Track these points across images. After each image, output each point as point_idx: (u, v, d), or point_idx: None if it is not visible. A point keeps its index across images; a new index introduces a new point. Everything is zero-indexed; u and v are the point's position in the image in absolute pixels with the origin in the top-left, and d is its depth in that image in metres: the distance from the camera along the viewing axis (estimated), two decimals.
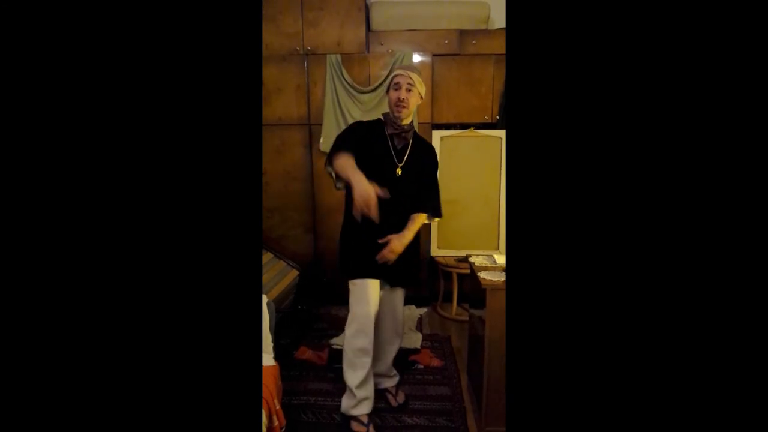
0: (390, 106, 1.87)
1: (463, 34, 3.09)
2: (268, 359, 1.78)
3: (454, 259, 3.11)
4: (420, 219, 1.92)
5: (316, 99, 3.13)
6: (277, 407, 1.67)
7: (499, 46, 3.07)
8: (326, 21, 3.06)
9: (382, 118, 1.92)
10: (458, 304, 3.18)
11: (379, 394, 2.11)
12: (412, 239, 1.89)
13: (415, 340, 2.73)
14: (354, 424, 1.94)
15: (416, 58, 3.07)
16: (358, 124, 1.92)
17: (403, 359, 2.51)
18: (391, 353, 2.11)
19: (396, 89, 1.82)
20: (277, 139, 3.18)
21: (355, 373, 1.91)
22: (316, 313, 3.20)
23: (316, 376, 2.43)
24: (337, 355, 2.52)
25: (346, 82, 3.06)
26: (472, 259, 2.17)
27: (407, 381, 2.34)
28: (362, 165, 1.72)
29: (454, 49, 3.09)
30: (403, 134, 1.88)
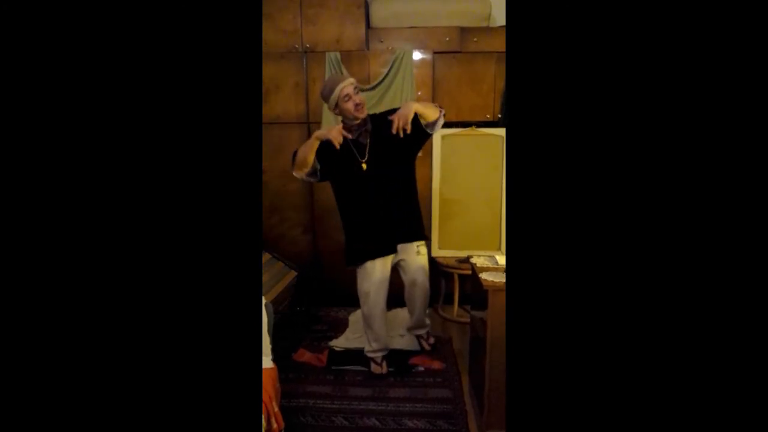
0: (348, 115, 2.14)
1: (464, 31, 3.05)
2: (266, 361, 1.75)
3: (455, 260, 3.07)
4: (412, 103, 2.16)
5: (315, 97, 3.08)
6: (276, 410, 1.65)
7: (501, 43, 3.03)
8: (325, 18, 3.03)
9: None
10: (459, 305, 3.15)
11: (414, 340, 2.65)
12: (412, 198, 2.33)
13: (415, 343, 2.69)
14: (372, 364, 2.41)
15: (417, 55, 3.04)
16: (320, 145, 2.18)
17: (404, 361, 2.48)
18: (417, 308, 2.47)
19: (347, 100, 2.10)
20: (276, 137, 3.15)
21: (371, 331, 2.40)
22: (314, 315, 3.16)
23: (315, 378, 2.40)
24: (336, 357, 2.50)
25: None
26: (473, 260, 2.14)
27: (408, 383, 2.32)
28: (331, 176, 2.17)
29: (455, 46, 3.06)
30: (364, 129, 2.12)
